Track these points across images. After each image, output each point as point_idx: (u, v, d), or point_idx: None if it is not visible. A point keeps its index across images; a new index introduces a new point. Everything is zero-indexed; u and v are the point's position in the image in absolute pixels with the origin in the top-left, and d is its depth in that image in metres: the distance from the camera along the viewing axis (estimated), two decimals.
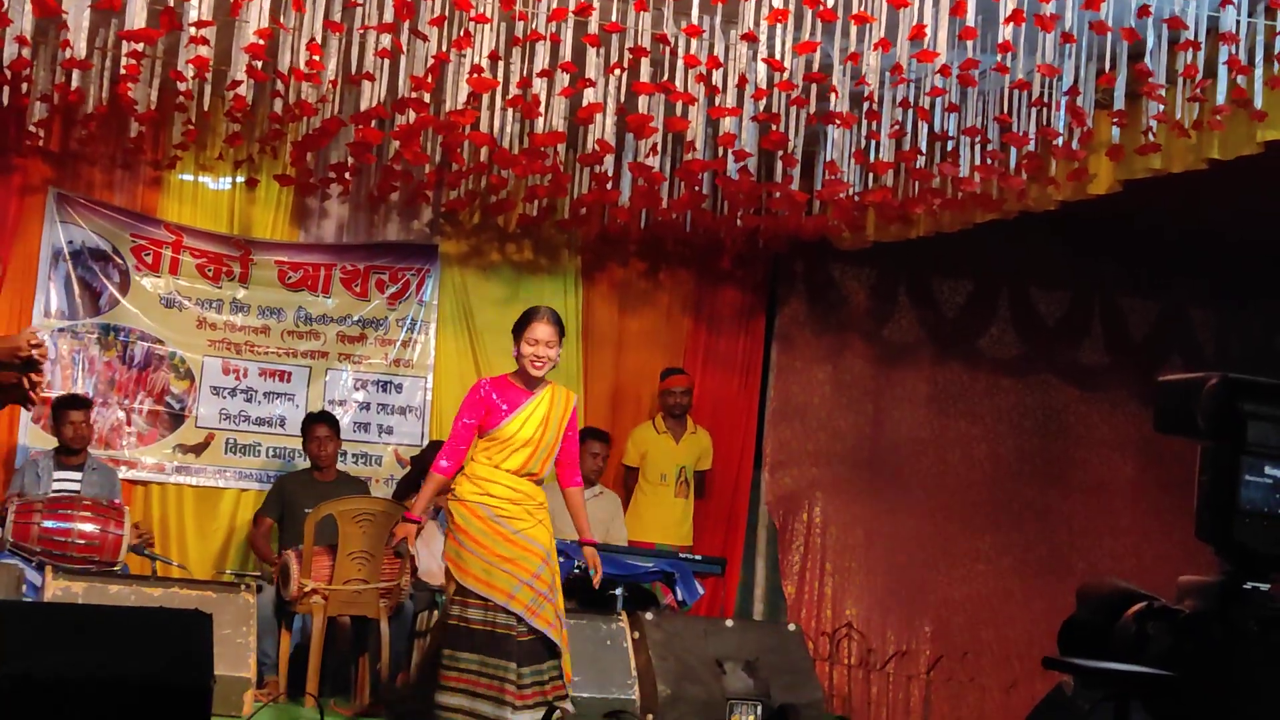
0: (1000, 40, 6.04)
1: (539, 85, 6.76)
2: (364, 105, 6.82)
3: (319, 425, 8.08)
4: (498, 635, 5.73)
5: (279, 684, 7.09)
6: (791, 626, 7.70)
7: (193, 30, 6.07)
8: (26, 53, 6.53)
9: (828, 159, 7.21)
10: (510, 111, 7.03)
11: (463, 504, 5.86)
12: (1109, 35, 6.06)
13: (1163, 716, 2.96)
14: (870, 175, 7.30)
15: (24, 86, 7.15)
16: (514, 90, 6.80)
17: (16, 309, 8.19)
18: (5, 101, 7.00)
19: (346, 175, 8.13)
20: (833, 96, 6.62)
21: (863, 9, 6.07)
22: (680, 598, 7.61)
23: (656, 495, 8.82)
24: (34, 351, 3.95)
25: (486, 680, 5.70)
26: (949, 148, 7.05)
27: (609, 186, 7.81)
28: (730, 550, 9.26)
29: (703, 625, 7.47)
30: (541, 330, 5.90)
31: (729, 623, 7.62)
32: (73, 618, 3.43)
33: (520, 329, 5.96)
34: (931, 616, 9.53)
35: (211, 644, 3.34)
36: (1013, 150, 6.88)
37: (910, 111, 6.78)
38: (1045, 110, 6.69)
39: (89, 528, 6.99)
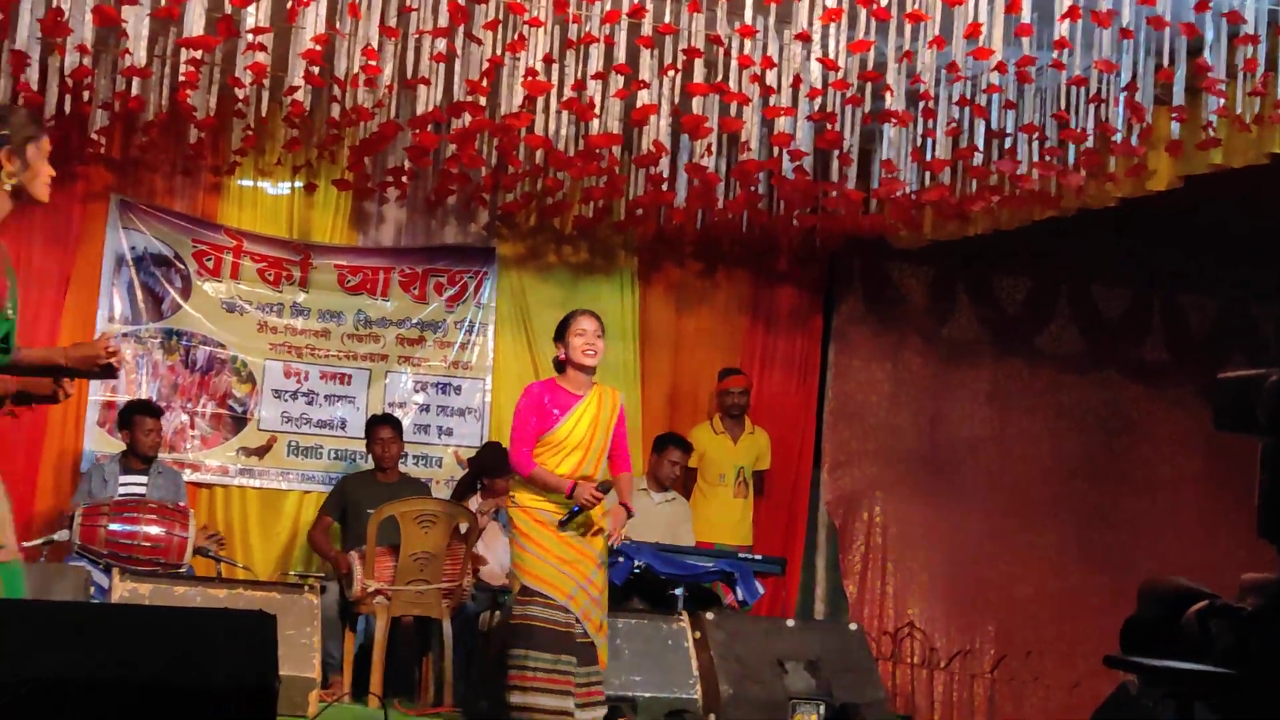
0: (1057, 37, 6.00)
1: (593, 87, 6.77)
2: (420, 109, 6.85)
3: (383, 427, 8.13)
4: (560, 633, 5.85)
5: (343, 684, 7.15)
6: (853, 626, 7.68)
7: (250, 37, 6.13)
8: (88, 61, 6.61)
9: (884, 157, 7.18)
10: (565, 114, 7.04)
11: (522, 509, 6.00)
12: (1167, 30, 6.00)
13: (1226, 714, 2.94)
14: (927, 173, 7.27)
15: (85, 95, 7.23)
16: (569, 93, 6.82)
17: (80, 315, 8.29)
18: (67, 110, 7.09)
19: (404, 179, 8.18)
20: (888, 95, 6.59)
21: (917, 7, 6.05)
22: (741, 597, 7.61)
23: (715, 496, 8.82)
24: (111, 359, 4.01)
25: (549, 675, 5.81)
26: (1006, 145, 7.00)
27: (664, 187, 7.81)
28: (790, 550, 9.24)
29: (764, 625, 7.46)
30: (587, 322, 6.04)
31: (790, 622, 7.61)
32: (139, 619, 3.47)
33: (564, 328, 6.09)
34: (994, 615, 9.47)
35: (276, 645, 3.36)
36: (1071, 147, 6.83)
37: (967, 109, 6.74)
38: (1104, 106, 6.63)
39: (155, 530, 7.08)
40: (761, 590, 7.78)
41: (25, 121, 3.96)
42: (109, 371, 4.02)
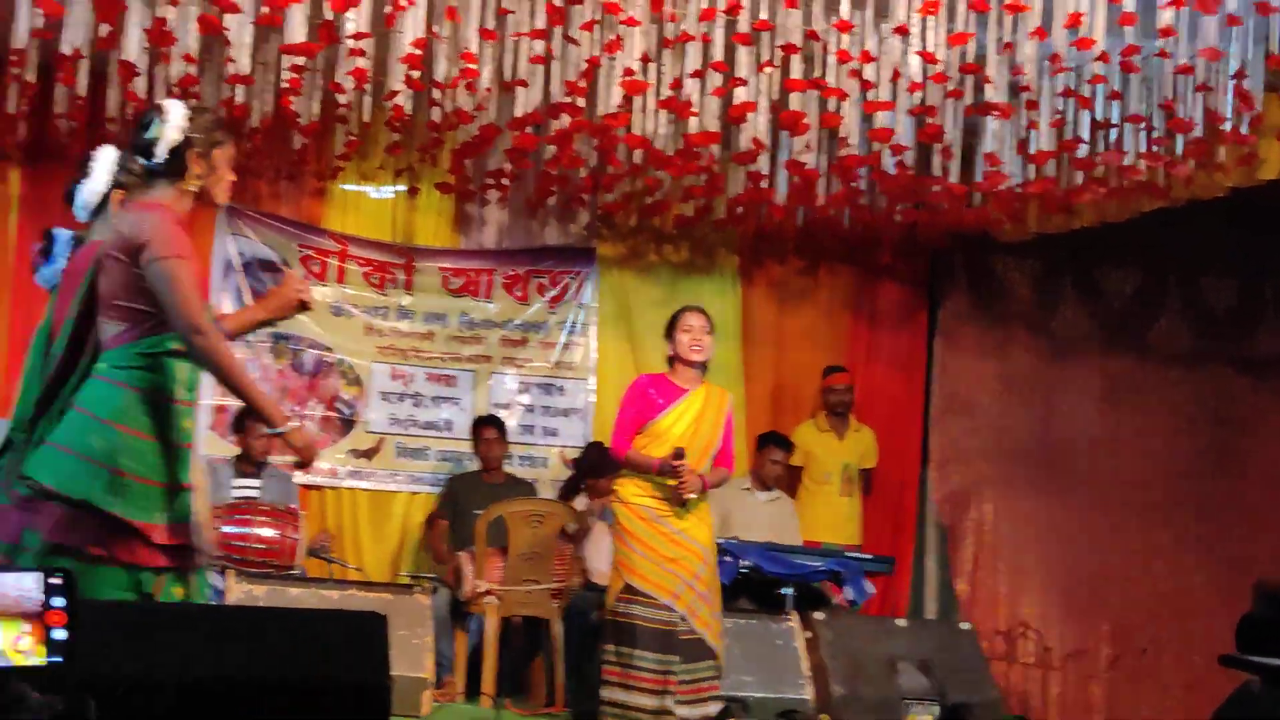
0: (1161, 25, 5.89)
1: (691, 86, 6.76)
2: (519, 111, 6.89)
3: (487, 428, 8.19)
4: (663, 632, 5.87)
5: (456, 684, 7.21)
6: (965, 625, 7.60)
7: (351, 42, 6.21)
8: (193, 70, 6.72)
9: (987, 150, 7.09)
10: (663, 113, 7.04)
11: (626, 505, 6.02)
12: (1276, 16, 5.87)
13: None
14: (1031, 166, 7.17)
15: (191, 103, 7.33)
16: (666, 91, 6.81)
17: None
18: None
19: (504, 181, 8.22)
20: (989, 87, 6.52)
21: None
22: (850, 597, 7.56)
23: (821, 494, 8.78)
24: (303, 295, 4.25)
25: (651, 675, 5.84)
26: (1112, 136, 6.89)
27: (764, 185, 7.78)
28: (900, 549, 9.17)
29: (875, 625, 7.42)
30: (694, 318, 6.11)
31: (901, 622, 7.55)
32: (255, 620, 3.52)
33: (672, 325, 6.15)
34: (1109, 614, 9.31)
35: (388, 645, 3.40)
36: (1178, 136, 6.70)
37: (1071, 100, 6.65)
38: (1211, 94, 6.50)
39: (268, 532, 7.16)
40: (872, 590, 7.72)
41: (212, 126, 4.10)
42: (304, 307, 4.30)
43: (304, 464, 4.10)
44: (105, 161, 4.32)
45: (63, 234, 4.64)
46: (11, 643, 2.78)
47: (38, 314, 8.26)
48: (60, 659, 2.76)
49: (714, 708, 5.98)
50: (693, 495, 5.91)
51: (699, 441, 6.01)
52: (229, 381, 3.94)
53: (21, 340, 8.13)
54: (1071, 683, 9.09)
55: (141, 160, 4.00)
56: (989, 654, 8.33)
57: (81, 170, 4.35)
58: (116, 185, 4.30)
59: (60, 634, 2.77)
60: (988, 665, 7.55)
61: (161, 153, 3.95)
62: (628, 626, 5.90)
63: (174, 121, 3.98)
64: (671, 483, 5.89)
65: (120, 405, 3.84)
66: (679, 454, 5.88)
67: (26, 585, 2.79)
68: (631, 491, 6.02)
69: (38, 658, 2.78)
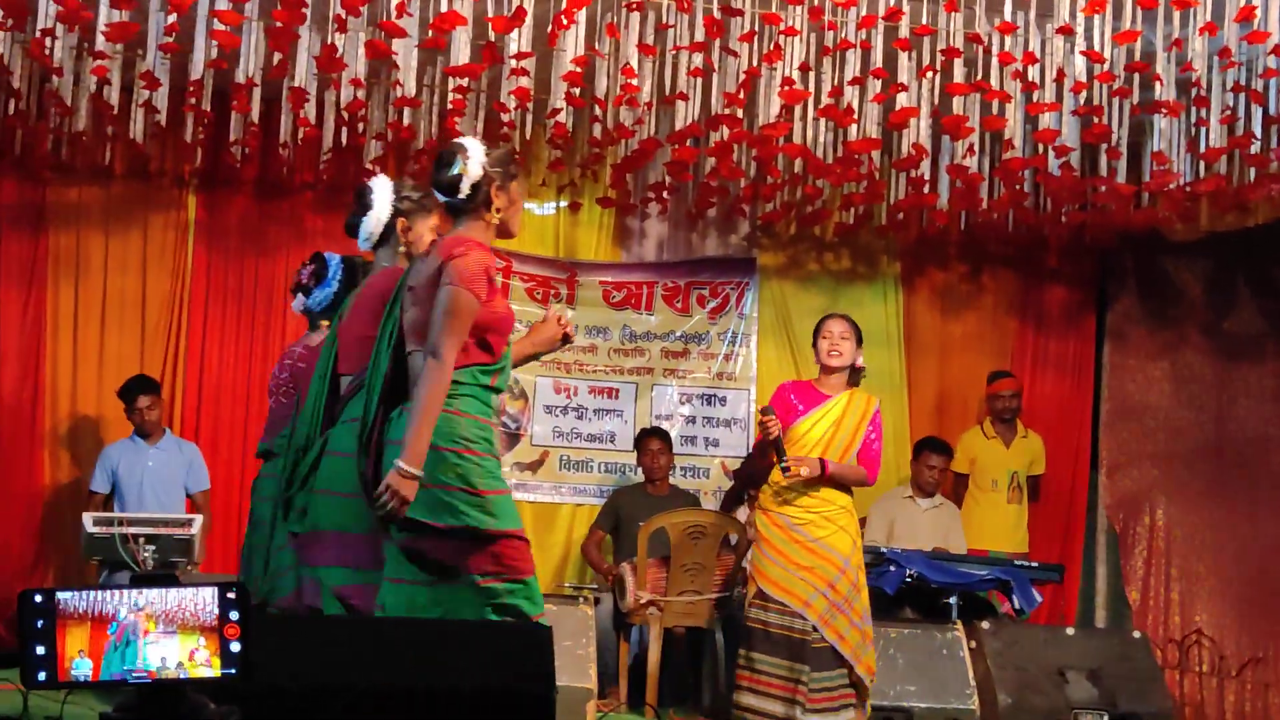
0: None
1: (851, 93, 6.75)
2: (679, 124, 6.93)
3: (652, 439, 8.24)
4: (794, 640, 5.93)
5: (620, 694, 7.26)
6: (1137, 634, 7.44)
7: (513, 62, 6.31)
8: (361, 94, 6.89)
9: (1155, 149, 6.94)
10: (823, 121, 7.03)
11: (765, 513, 6.13)
12: None
13: None
14: (1201, 164, 7.01)
15: (360, 127, 7.53)
16: (826, 100, 6.80)
17: None
18: (343, 142, 7.41)
19: (665, 194, 8.27)
20: (1157, 85, 6.39)
21: None
22: (1017, 605, 7.45)
23: (988, 501, 8.66)
24: (566, 329, 4.49)
25: (780, 682, 5.95)
26: None
27: (926, 190, 7.72)
28: (1068, 556, 9.02)
29: (1043, 633, 7.29)
30: (834, 325, 6.16)
31: (1070, 630, 7.41)
32: (422, 632, 3.60)
33: (815, 332, 6.23)
34: None
35: (553, 655, 3.45)
36: None
37: (1242, 95, 6.48)
38: None
39: None
40: (1039, 598, 7.60)
41: (508, 159, 4.28)
42: (567, 340, 4.53)
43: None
44: (385, 192, 4.57)
45: (334, 258, 4.96)
46: (188, 655, 2.89)
47: (216, 335, 8.58)
48: (235, 670, 2.86)
49: (846, 716, 5.96)
50: (803, 474, 5.90)
51: (836, 446, 6.05)
52: (420, 409, 4.05)
53: (206, 359, 8.45)
54: (1249, 692, 8.82)
55: (444, 197, 4.22)
56: (1162, 663, 8.15)
57: (361, 202, 4.58)
58: (397, 214, 4.59)
59: (235, 646, 2.87)
60: (1160, 674, 7.37)
61: (466, 189, 4.15)
62: (760, 632, 6.01)
63: (476, 158, 4.17)
64: (789, 470, 5.91)
65: (459, 431, 4.06)
66: (766, 410, 6.02)
67: (203, 600, 2.90)
68: (770, 498, 6.10)
69: (213, 670, 2.88)
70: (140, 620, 2.89)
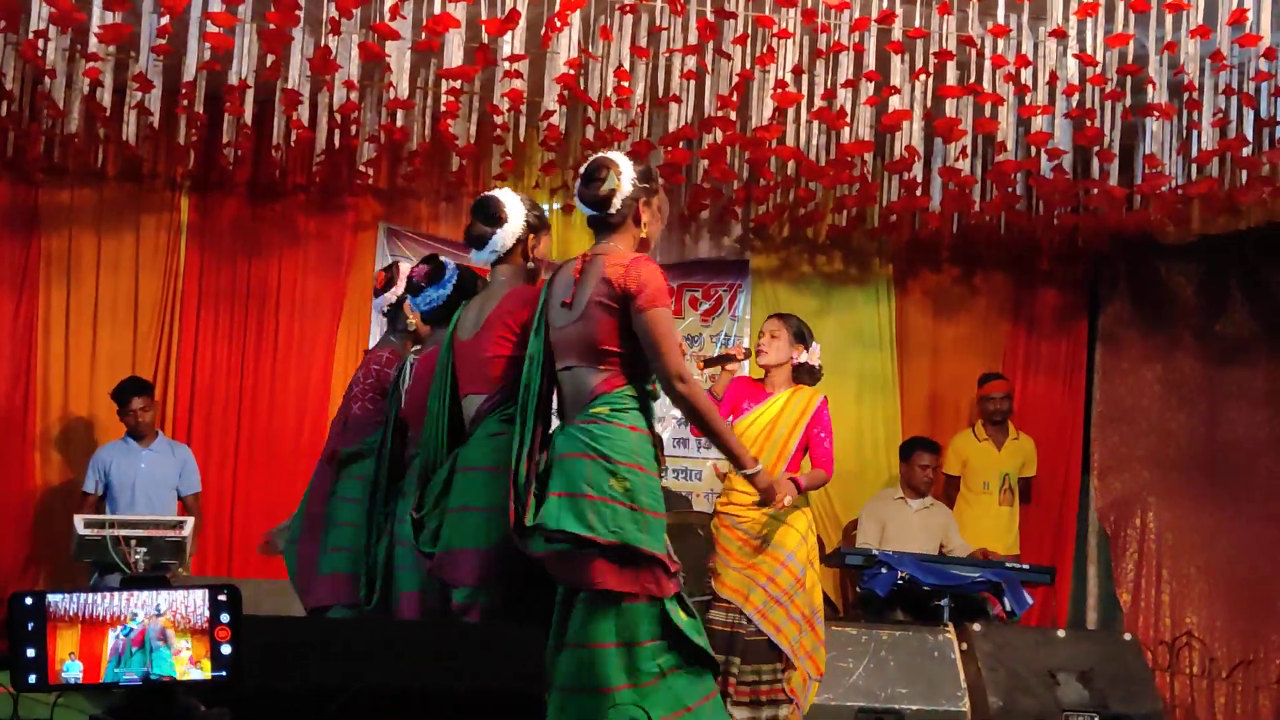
0: None
1: (844, 96, 6.76)
2: (672, 127, 6.95)
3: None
4: (726, 634, 5.92)
5: None
6: (1127, 636, 7.45)
7: (507, 64, 6.31)
8: (354, 96, 6.90)
9: (1147, 152, 6.97)
10: (816, 124, 7.04)
11: (717, 515, 6.15)
12: None
13: None
14: (1193, 166, 7.03)
15: (353, 129, 7.54)
16: (819, 102, 6.82)
17: (353, 341, 8.62)
18: (336, 144, 7.41)
19: None
20: (1149, 88, 6.40)
21: None
22: (1008, 608, 7.46)
23: (980, 504, 8.67)
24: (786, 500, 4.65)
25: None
26: (1278, 134, 6.72)
27: (918, 192, 7.73)
28: (1060, 558, 9.03)
29: (1034, 636, 7.30)
30: (767, 324, 6.21)
31: (1061, 633, 7.42)
32: (415, 633, 3.61)
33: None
34: (1278, 623, 9.06)
35: (545, 659, 3.46)
36: None
37: (1234, 98, 6.50)
38: None
39: None
40: (1030, 600, 7.62)
41: (654, 174, 4.32)
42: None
43: (765, 504, 4.54)
44: (518, 206, 4.53)
45: (449, 263, 4.89)
46: (179, 657, 2.89)
47: (209, 337, 8.55)
48: (225, 673, 2.86)
49: (777, 712, 5.95)
50: (786, 503, 5.82)
51: (772, 444, 6.01)
52: (706, 425, 4.16)
53: (198, 361, 8.44)
54: (1239, 694, 8.84)
55: (593, 212, 4.22)
56: (1152, 665, 8.16)
57: (491, 215, 4.51)
58: (529, 229, 4.54)
59: (226, 649, 2.87)
60: (1151, 676, 7.38)
61: (618, 204, 4.17)
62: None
63: (627, 174, 4.19)
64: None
65: (632, 446, 4.04)
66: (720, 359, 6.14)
67: (194, 602, 2.90)
68: (721, 499, 6.14)
69: (204, 672, 2.88)
70: (130, 623, 2.89)
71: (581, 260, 4.21)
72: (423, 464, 4.48)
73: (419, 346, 5.08)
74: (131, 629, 2.90)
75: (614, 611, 3.93)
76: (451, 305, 4.76)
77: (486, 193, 4.64)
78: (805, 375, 6.11)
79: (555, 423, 4.22)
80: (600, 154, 4.33)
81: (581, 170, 4.26)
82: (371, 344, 8.57)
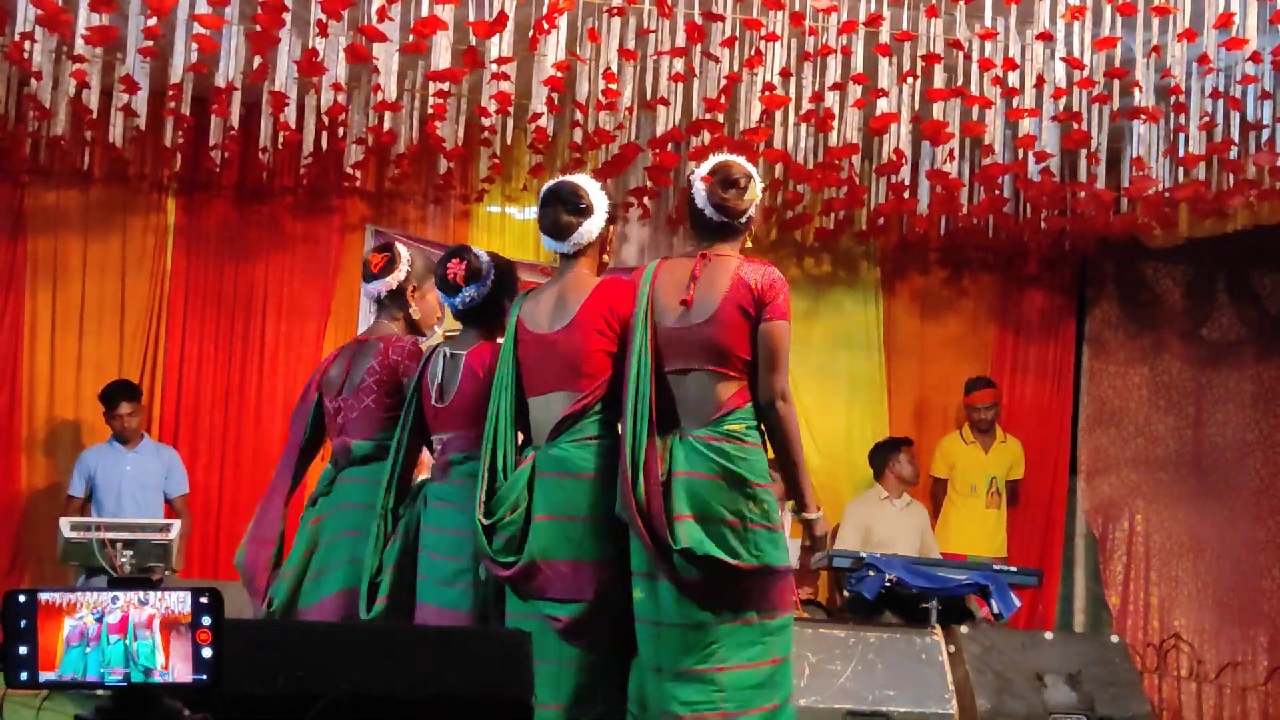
0: None
1: (831, 98, 6.76)
2: (660, 129, 6.94)
3: None
4: None
5: None
6: (1115, 638, 7.46)
7: (494, 67, 6.30)
8: (342, 98, 6.89)
9: (1134, 155, 6.98)
10: (804, 126, 7.05)
11: None
12: None
13: None
14: (1180, 170, 7.04)
15: (340, 131, 7.53)
16: (806, 105, 6.82)
17: (340, 341, 8.49)
18: (324, 146, 7.40)
19: (646, 199, 8.27)
20: (1136, 91, 6.41)
21: (1164, 0, 5.87)
22: (996, 610, 7.46)
23: (967, 506, 8.68)
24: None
25: None
26: (1264, 137, 6.73)
27: (906, 195, 7.74)
28: (1047, 561, 9.04)
29: (1021, 638, 7.30)
30: None
31: (1049, 635, 7.42)
32: (400, 638, 3.60)
33: None
34: (1267, 625, 9.08)
35: (532, 662, 3.45)
36: None
37: (1221, 102, 6.51)
38: None
39: None
40: (1018, 603, 7.61)
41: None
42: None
43: (813, 550, 4.23)
44: (602, 197, 4.31)
45: (483, 255, 4.58)
46: (161, 660, 2.89)
47: (195, 339, 8.54)
48: (206, 676, 2.86)
49: None
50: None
51: None
52: (789, 452, 4.05)
53: (185, 364, 8.42)
54: (1227, 696, 8.87)
55: (724, 219, 4.12)
56: (1141, 667, 8.18)
57: (576, 204, 4.27)
58: (610, 221, 4.36)
59: (207, 652, 2.87)
60: (1139, 679, 7.39)
61: (752, 213, 4.15)
62: None
63: (757, 183, 4.16)
64: None
65: (764, 467, 4.00)
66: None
67: (176, 604, 2.89)
68: None
69: (185, 675, 2.88)
70: (115, 623, 2.88)
71: (701, 259, 4.10)
72: (489, 466, 4.16)
73: (451, 338, 4.75)
74: (116, 629, 2.89)
75: (760, 631, 3.90)
76: (492, 301, 4.52)
77: (566, 178, 4.39)
78: None
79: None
80: (731, 159, 4.23)
81: (709, 172, 4.15)
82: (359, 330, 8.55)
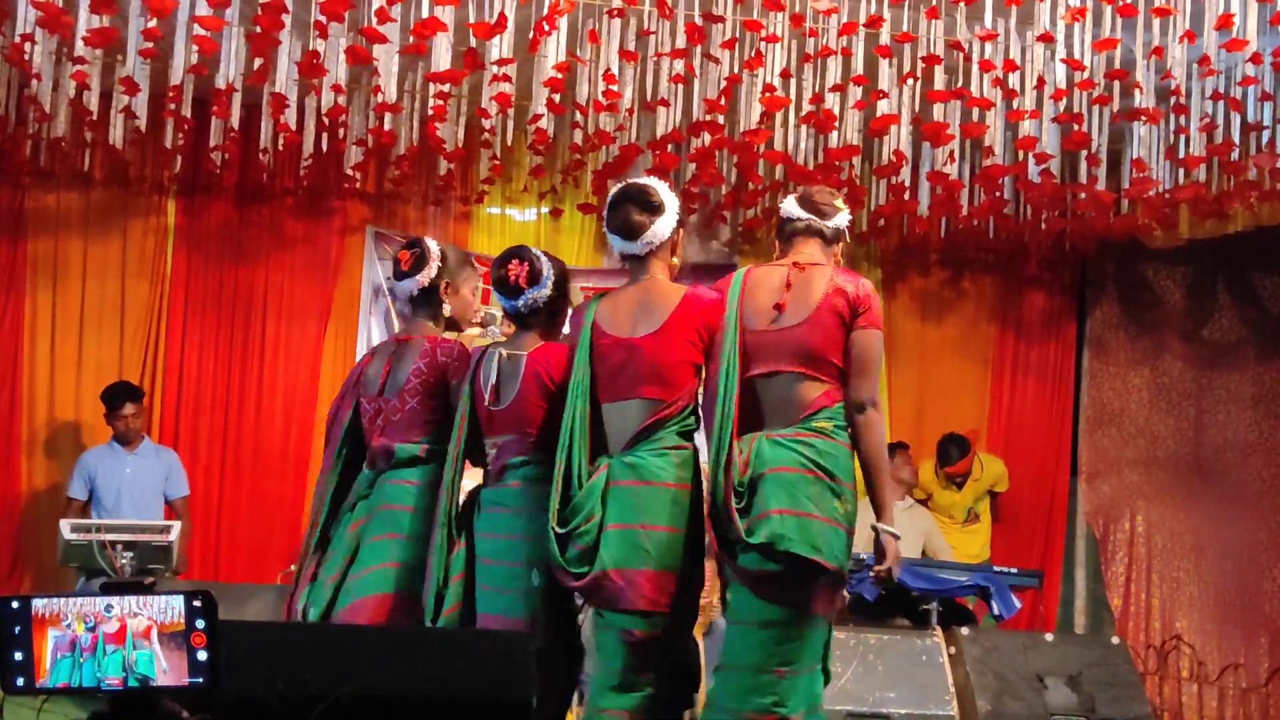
0: None
1: (832, 100, 6.76)
2: (660, 131, 6.94)
3: None
4: None
5: None
6: (1115, 640, 7.45)
7: (495, 68, 6.30)
8: (342, 100, 6.89)
9: (1135, 156, 6.98)
10: (804, 128, 7.04)
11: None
12: None
13: None
14: (1181, 171, 7.04)
15: (340, 132, 7.52)
16: (807, 106, 6.81)
17: (341, 344, 8.61)
18: (324, 147, 7.40)
19: None
20: (1137, 93, 6.41)
21: (1165, 1, 5.87)
22: (997, 612, 7.46)
23: (946, 529, 8.67)
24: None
25: None
26: (1265, 138, 6.73)
27: (907, 196, 7.74)
28: (1048, 562, 9.04)
29: (1022, 640, 7.29)
30: None
31: (1049, 637, 7.42)
32: (401, 639, 3.60)
33: None
34: (1268, 626, 9.08)
35: (533, 662, 3.45)
36: None
37: (1221, 103, 6.51)
38: None
39: None
40: (1018, 605, 7.61)
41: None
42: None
43: (883, 562, 4.15)
44: (669, 195, 4.27)
45: (542, 257, 4.45)
46: (156, 663, 2.88)
47: (196, 341, 8.53)
48: (202, 679, 2.85)
49: None
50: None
51: None
52: (876, 460, 4.04)
53: (185, 365, 8.42)
54: (1228, 697, 8.86)
55: (828, 224, 4.24)
56: (1142, 669, 8.17)
57: (649, 203, 4.24)
58: (678, 224, 4.32)
59: (203, 655, 2.86)
60: (1139, 680, 7.39)
61: (843, 226, 4.31)
62: None
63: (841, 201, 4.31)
64: None
65: (852, 466, 4.02)
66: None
67: (171, 607, 2.89)
68: None
69: (181, 678, 2.87)
70: (110, 627, 2.88)
71: (794, 266, 4.14)
72: (564, 474, 4.03)
73: (503, 339, 4.62)
74: (110, 634, 2.89)
75: (817, 633, 3.91)
76: (553, 304, 4.43)
77: (637, 179, 4.33)
78: None
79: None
80: (821, 187, 4.40)
81: (810, 194, 4.29)
82: (372, 332, 8.56)
